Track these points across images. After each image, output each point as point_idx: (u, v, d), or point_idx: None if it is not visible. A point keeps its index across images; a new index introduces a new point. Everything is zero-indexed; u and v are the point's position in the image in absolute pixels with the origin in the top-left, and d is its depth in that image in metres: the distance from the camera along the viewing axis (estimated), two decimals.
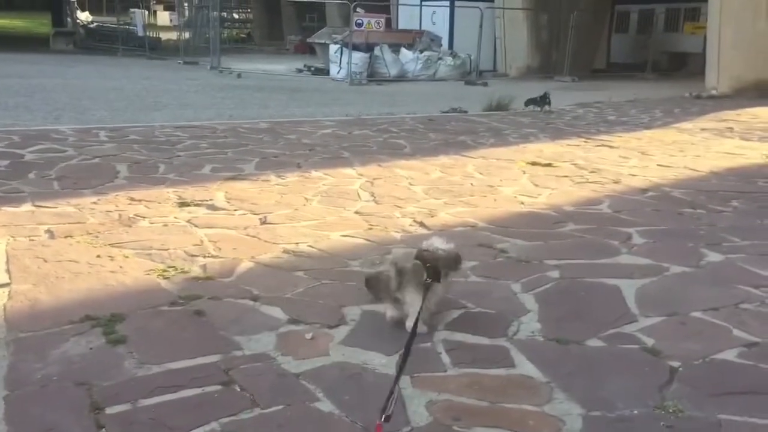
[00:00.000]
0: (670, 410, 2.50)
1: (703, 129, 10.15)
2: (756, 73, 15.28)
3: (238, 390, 2.56)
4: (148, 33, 28.37)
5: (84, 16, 35.97)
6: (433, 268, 3.03)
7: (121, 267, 3.75)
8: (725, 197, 5.84)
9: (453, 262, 3.16)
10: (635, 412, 2.50)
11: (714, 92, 15.35)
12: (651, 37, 23.84)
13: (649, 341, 3.06)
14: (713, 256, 4.25)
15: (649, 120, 11.19)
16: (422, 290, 3.00)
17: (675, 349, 2.99)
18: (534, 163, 7.11)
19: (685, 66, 23.90)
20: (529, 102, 11.79)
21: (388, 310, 3.16)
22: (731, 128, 10.28)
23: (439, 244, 3.17)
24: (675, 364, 2.86)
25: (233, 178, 5.95)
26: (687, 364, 2.86)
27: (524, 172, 6.67)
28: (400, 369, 2.54)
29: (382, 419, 2.17)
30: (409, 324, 2.96)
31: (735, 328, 3.22)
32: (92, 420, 2.33)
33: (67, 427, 2.29)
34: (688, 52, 24.21)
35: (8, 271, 3.62)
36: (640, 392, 2.63)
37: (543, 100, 11.72)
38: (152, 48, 25.71)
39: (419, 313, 2.92)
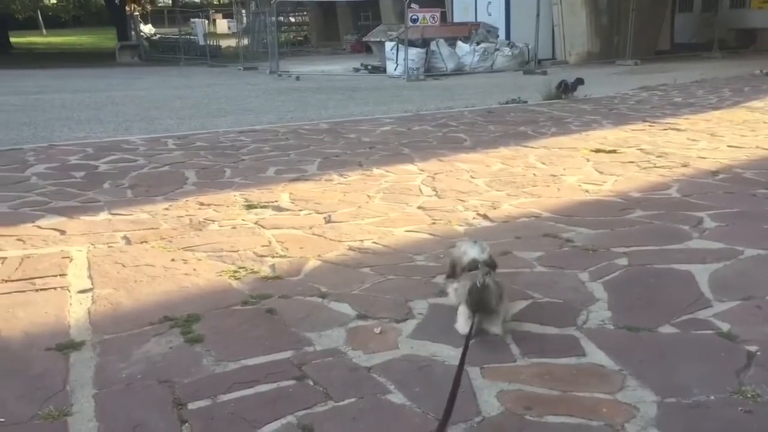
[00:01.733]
0: (749, 395, 2.44)
1: None
2: None
3: (312, 384, 2.63)
4: (208, 41, 29.12)
5: (147, 29, 37.17)
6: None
7: (194, 269, 3.89)
8: None
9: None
10: (712, 397, 2.45)
11: None
12: (716, 15, 23.02)
13: (725, 326, 2.99)
14: None
15: (717, 100, 10.84)
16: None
17: (752, 333, 2.91)
18: (598, 151, 7.00)
19: (754, 42, 23.00)
20: (564, 89, 11.55)
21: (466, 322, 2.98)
22: None
23: (475, 252, 3.12)
24: (752, 348, 2.79)
25: (297, 179, 6.06)
26: (765, 348, 2.78)
27: (588, 160, 6.57)
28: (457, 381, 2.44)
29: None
30: (496, 330, 2.96)
31: None
32: (176, 415, 2.44)
33: (153, 423, 2.40)
34: (756, 27, 23.27)
35: (90, 277, 3.80)
36: (717, 378, 2.58)
37: (569, 87, 11.45)
38: (213, 56, 26.36)
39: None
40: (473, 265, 3.05)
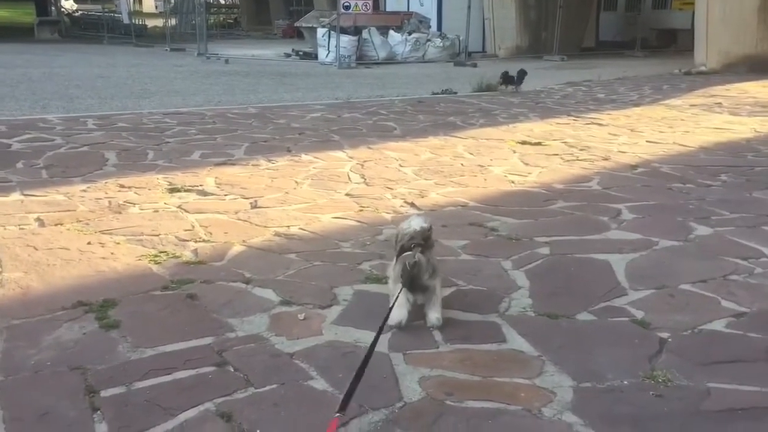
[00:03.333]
0: (660, 380, 2.53)
1: (692, 105, 10.18)
2: (744, 48, 15.30)
3: (232, 371, 2.58)
4: (133, 20, 28.16)
5: (68, 5, 35.71)
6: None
7: (112, 253, 3.75)
8: (714, 171, 5.87)
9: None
10: (625, 382, 2.53)
11: (703, 68, 15.38)
12: (639, 15, 23.83)
13: (639, 314, 3.09)
14: (702, 230, 4.29)
15: (638, 97, 11.21)
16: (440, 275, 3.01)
17: (664, 320, 3.02)
18: (524, 143, 7.13)
19: (674, 43, 23.91)
20: (507, 80, 11.60)
21: (403, 309, 2.89)
22: (720, 103, 10.31)
23: (418, 223, 3.05)
24: (664, 335, 2.89)
25: (223, 164, 5.94)
26: (676, 335, 2.89)
27: (514, 152, 6.68)
28: (365, 362, 2.37)
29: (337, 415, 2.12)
30: (438, 317, 2.93)
31: (723, 299, 3.26)
32: (87, 403, 2.34)
33: (62, 411, 2.30)
34: (676, 28, 24.21)
35: None
36: (630, 363, 2.66)
37: (513, 79, 11.53)
38: (138, 35, 25.55)
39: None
40: (413, 236, 2.98)
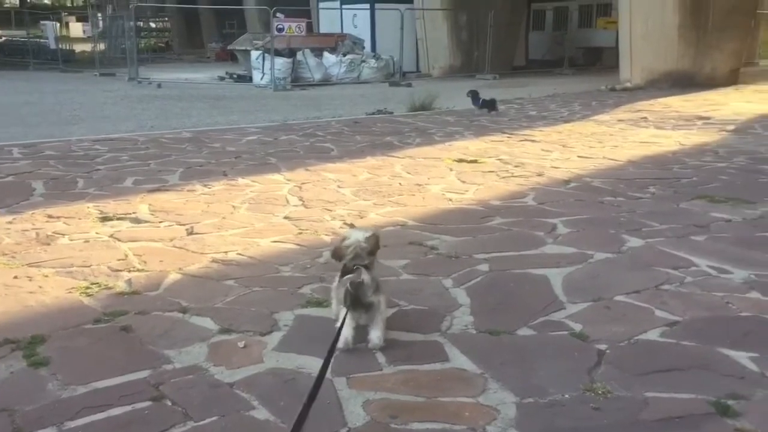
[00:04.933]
0: (599, 392, 2.57)
1: (619, 120, 10.52)
2: (666, 64, 15.94)
3: (170, 404, 2.50)
4: (60, 45, 27.46)
5: None
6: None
7: (40, 287, 3.60)
8: (643, 184, 6.06)
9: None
10: (566, 396, 2.56)
11: (628, 84, 15.94)
12: (566, 34, 24.57)
13: (577, 326, 3.15)
14: (634, 241, 4.40)
15: (568, 114, 11.52)
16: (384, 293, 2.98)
17: (601, 332, 3.08)
18: (460, 161, 7.21)
19: (600, 60, 24.74)
20: (483, 105, 11.44)
21: (348, 329, 2.88)
22: (645, 118, 10.69)
23: (358, 236, 3.03)
24: (602, 347, 2.95)
25: (157, 190, 5.80)
26: (613, 347, 2.95)
27: (451, 170, 6.76)
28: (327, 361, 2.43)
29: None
30: (380, 336, 2.90)
31: (657, 308, 3.35)
32: None
33: None
34: (602, 46, 25.06)
35: None
36: (570, 376, 2.69)
37: (494, 104, 11.48)
38: (66, 60, 24.88)
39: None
40: (357, 253, 2.95)
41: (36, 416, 2.40)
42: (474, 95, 11.45)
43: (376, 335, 2.92)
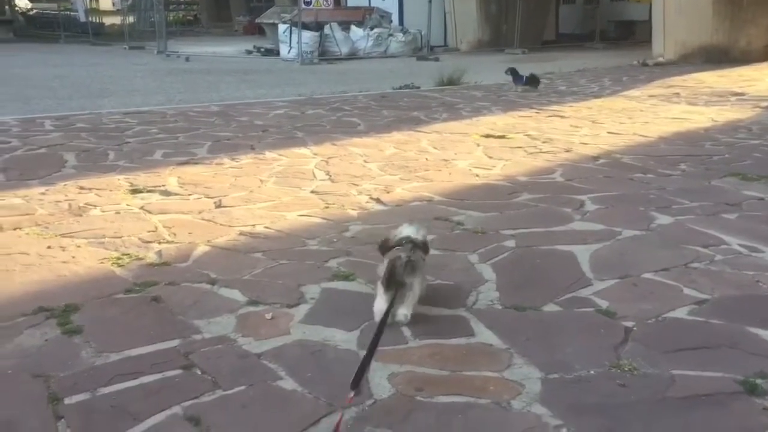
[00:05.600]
0: (626, 369, 2.57)
1: (651, 96, 10.34)
2: (700, 38, 15.60)
3: (199, 373, 2.54)
4: (90, 18, 27.64)
5: (23, 4, 34.90)
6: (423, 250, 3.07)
7: (73, 257, 3.68)
8: (673, 161, 5.97)
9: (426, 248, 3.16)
10: (591, 372, 2.56)
11: (661, 59, 15.64)
12: (598, 7, 24.11)
13: (604, 303, 3.13)
14: (663, 219, 4.35)
15: (598, 89, 11.35)
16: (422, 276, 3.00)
17: (629, 309, 3.06)
18: (488, 136, 7.16)
19: (633, 34, 24.29)
20: (526, 82, 10.98)
21: (381, 301, 2.94)
22: (678, 94, 10.49)
23: (409, 232, 3.12)
24: (629, 324, 2.93)
25: (186, 163, 5.86)
26: (641, 324, 2.94)
27: (478, 145, 6.72)
28: (374, 345, 2.48)
29: (352, 393, 2.19)
30: (406, 314, 2.92)
31: (685, 286, 3.31)
32: (51, 411, 2.29)
33: (25, 420, 2.25)
34: (634, 20, 24.58)
35: None
36: (596, 353, 2.69)
37: (536, 80, 11.12)
38: (96, 34, 25.08)
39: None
40: (401, 242, 3.03)
41: (70, 383, 2.46)
42: (514, 73, 11.10)
43: (402, 312, 2.93)
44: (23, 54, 19.03)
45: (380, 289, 2.94)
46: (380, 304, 2.91)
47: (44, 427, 2.22)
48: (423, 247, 3.11)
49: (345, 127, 7.70)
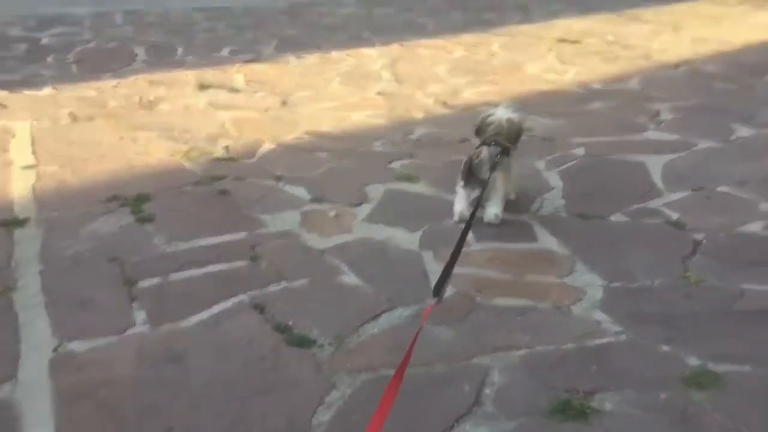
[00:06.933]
0: (692, 280, 2.52)
1: (740, 1, 9.66)
2: None
3: (265, 265, 2.62)
4: None
5: None
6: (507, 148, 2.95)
7: (144, 149, 3.77)
8: (759, 71, 5.63)
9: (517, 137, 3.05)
10: (656, 282, 2.52)
11: None
12: None
13: (674, 215, 3.05)
14: (743, 131, 4.15)
15: None
16: (507, 175, 2.95)
17: (700, 222, 2.97)
18: (562, 40, 6.87)
19: None
20: None
21: (462, 202, 2.94)
22: None
23: (502, 115, 3.00)
24: (699, 236, 2.85)
25: (252, 60, 5.84)
26: (711, 237, 2.85)
27: (551, 50, 6.46)
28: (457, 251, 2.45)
29: (435, 301, 2.17)
30: (496, 213, 2.91)
31: (762, 201, 3.18)
32: (125, 293, 2.41)
33: (101, 300, 2.37)
34: None
35: (34, 152, 3.66)
36: (663, 264, 2.64)
37: None
38: None
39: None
40: (497, 130, 2.94)
41: (144, 267, 2.57)
42: None
43: (492, 211, 2.92)
44: None
45: (459, 188, 2.92)
46: (459, 205, 2.91)
47: (120, 307, 2.34)
48: (514, 136, 2.99)
49: (413, 28, 7.50)
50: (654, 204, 3.18)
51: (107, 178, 3.36)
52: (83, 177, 3.38)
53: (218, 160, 3.65)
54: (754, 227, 2.94)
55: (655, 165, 3.62)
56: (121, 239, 2.79)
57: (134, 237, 2.81)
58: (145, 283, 2.47)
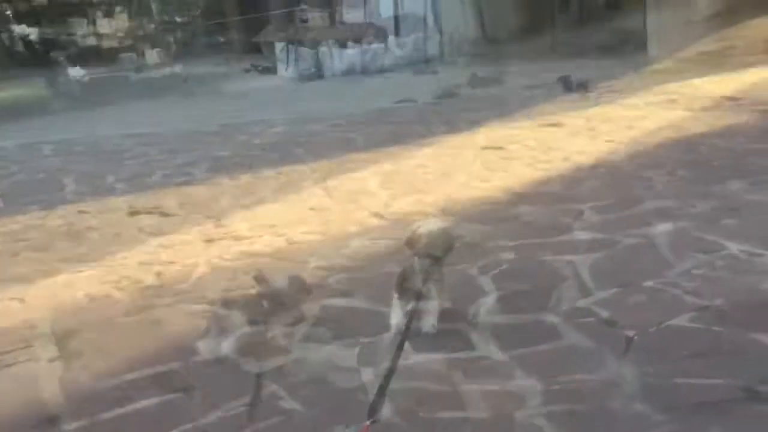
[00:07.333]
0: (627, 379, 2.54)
1: (647, 103, 10.30)
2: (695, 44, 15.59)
3: (199, 395, 2.53)
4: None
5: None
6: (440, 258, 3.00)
7: (70, 281, 3.67)
8: (672, 167, 5.94)
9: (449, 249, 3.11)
10: (594, 380, 2.54)
11: (656, 65, 15.64)
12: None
13: (604, 313, 3.12)
14: (663, 226, 4.33)
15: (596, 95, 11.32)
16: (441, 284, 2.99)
17: (630, 318, 3.04)
18: (486, 148, 7.15)
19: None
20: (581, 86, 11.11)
21: (398, 315, 2.94)
22: (675, 100, 10.45)
23: (436, 224, 3.10)
24: (630, 333, 2.91)
25: (185, 183, 5.87)
26: (642, 333, 2.91)
27: (477, 157, 6.70)
28: (393, 365, 2.38)
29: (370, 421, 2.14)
30: (432, 323, 2.93)
31: (687, 294, 3.29)
32: None
33: None
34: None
35: None
36: (599, 363, 2.67)
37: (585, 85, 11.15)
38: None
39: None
40: (423, 237, 2.99)
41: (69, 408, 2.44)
42: (564, 80, 11.21)
43: (428, 321, 2.94)
44: None
45: (395, 300, 2.94)
46: (395, 317, 2.92)
47: None
48: (445, 246, 3.05)
49: (343, 144, 7.70)
50: (584, 303, 3.25)
51: (29, 317, 3.24)
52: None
53: (149, 287, 3.58)
54: (681, 320, 3.03)
55: (583, 264, 3.72)
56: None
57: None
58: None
